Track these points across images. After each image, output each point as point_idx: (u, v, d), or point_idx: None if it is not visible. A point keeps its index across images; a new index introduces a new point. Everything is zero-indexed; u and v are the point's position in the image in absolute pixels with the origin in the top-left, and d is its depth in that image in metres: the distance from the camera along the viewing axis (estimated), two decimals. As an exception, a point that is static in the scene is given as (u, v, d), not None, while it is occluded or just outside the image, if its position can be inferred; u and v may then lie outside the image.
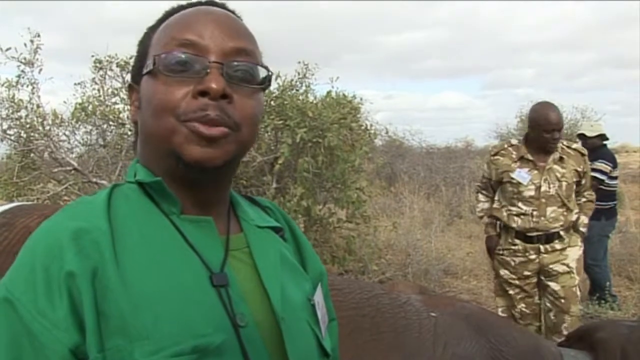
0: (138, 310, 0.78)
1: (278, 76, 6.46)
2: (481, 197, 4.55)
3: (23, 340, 0.77)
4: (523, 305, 4.34)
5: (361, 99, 7.50)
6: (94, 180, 5.67)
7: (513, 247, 4.30)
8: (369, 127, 7.19)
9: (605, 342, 1.92)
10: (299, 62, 6.89)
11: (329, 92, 6.58)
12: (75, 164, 5.81)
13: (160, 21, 0.97)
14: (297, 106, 5.92)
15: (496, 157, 4.36)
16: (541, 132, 4.18)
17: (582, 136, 6.31)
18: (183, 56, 0.88)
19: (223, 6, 0.99)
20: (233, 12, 0.99)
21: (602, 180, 5.98)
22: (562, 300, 4.27)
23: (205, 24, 0.91)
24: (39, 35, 5.89)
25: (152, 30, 0.98)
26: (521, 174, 4.27)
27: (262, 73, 0.94)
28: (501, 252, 4.37)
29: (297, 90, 6.70)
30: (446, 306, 2.06)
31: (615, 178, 6.27)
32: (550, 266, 4.27)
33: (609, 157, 6.16)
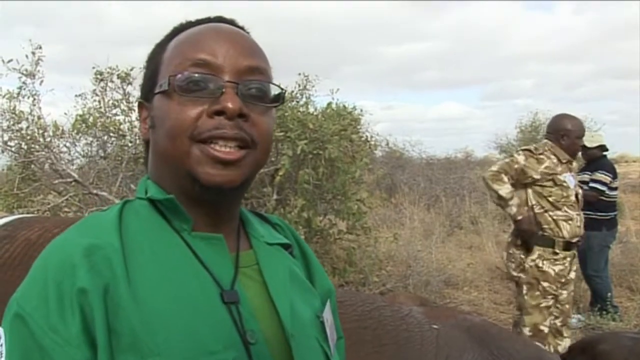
0: (149, 327, 0.78)
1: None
2: (505, 179, 4.24)
3: (34, 356, 0.77)
4: (552, 318, 4.23)
5: (361, 110, 7.52)
6: (95, 192, 5.66)
7: (554, 257, 4.21)
8: (369, 139, 7.20)
9: (608, 355, 1.92)
10: (300, 74, 6.91)
11: (329, 104, 6.59)
12: (76, 176, 5.80)
13: (169, 37, 0.97)
14: (297, 118, 5.93)
15: (542, 157, 4.27)
16: (574, 139, 4.33)
17: (582, 147, 6.32)
18: (197, 76, 0.88)
19: (232, 22, 0.99)
20: (242, 28, 0.99)
21: (603, 191, 5.99)
22: (567, 306, 4.30)
23: (219, 42, 0.91)
24: (40, 47, 5.91)
25: (161, 47, 0.97)
26: (569, 178, 4.28)
27: (275, 90, 0.94)
28: (536, 262, 4.22)
29: (297, 101, 6.70)
30: (448, 318, 2.06)
31: (616, 189, 6.28)
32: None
33: (609, 167, 6.18)
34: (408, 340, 1.88)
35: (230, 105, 0.86)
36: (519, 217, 4.24)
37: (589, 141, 6.20)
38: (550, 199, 4.22)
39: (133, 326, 0.78)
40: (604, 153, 6.30)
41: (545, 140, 4.47)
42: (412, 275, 6.85)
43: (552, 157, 4.28)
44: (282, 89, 0.95)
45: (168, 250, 0.87)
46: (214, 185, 0.87)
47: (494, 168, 4.35)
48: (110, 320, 0.78)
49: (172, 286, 0.83)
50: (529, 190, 4.29)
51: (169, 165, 0.91)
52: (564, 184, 4.21)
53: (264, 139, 0.91)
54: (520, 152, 4.39)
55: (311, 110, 6.57)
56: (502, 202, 4.29)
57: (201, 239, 0.91)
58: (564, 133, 4.36)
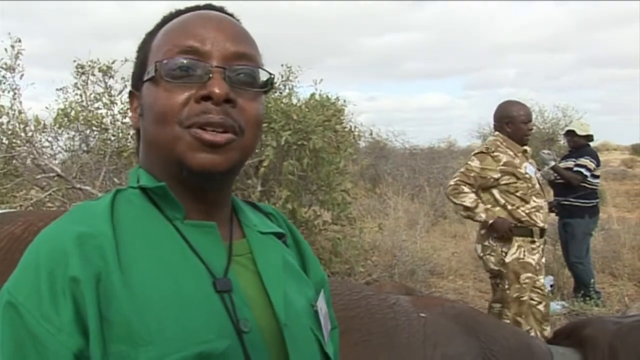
0: (142, 316, 0.78)
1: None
2: (466, 189, 4.24)
3: (27, 344, 0.77)
4: (534, 304, 4.20)
5: (345, 101, 7.52)
6: (78, 186, 5.61)
7: (532, 245, 4.20)
8: (353, 129, 7.20)
9: (593, 339, 1.94)
10: (282, 65, 6.90)
11: (312, 95, 6.58)
12: (59, 170, 5.75)
13: (159, 26, 0.97)
14: (281, 109, 5.91)
15: (496, 154, 4.24)
16: (519, 124, 4.27)
17: (570, 132, 6.41)
18: (185, 61, 0.88)
19: (222, 10, 0.98)
20: (232, 16, 0.98)
21: (586, 176, 6.07)
22: (545, 291, 4.32)
23: (206, 29, 0.91)
24: (19, 41, 5.85)
25: (151, 35, 0.97)
26: (529, 167, 4.26)
27: (264, 76, 0.94)
28: (517, 254, 4.18)
29: (280, 93, 6.69)
30: (435, 306, 2.07)
31: (598, 177, 6.37)
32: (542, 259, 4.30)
33: (594, 155, 6.28)
34: (396, 329, 1.89)
35: (217, 90, 0.86)
36: (491, 221, 4.21)
37: (580, 129, 6.31)
38: (517, 194, 4.21)
39: (125, 315, 0.77)
40: (589, 143, 6.41)
41: (496, 134, 4.41)
42: (397, 265, 6.88)
43: (508, 151, 4.25)
44: (270, 73, 0.95)
45: (160, 239, 0.86)
46: (202, 169, 0.87)
47: (452, 182, 4.33)
48: (102, 309, 0.77)
49: (165, 275, 0.82)
50: (495, 191, 4.27)
51: (158, 152, 0.91)
52: (527, 176, 4.20)
53: (251, 125, 0.91)
54: (474, 157, 4.32)
55: (294, 101, 6.56)
56: (469, 212, 4.27)
57: (194, 227, 0.90)
58: (508, 120, 4.32)
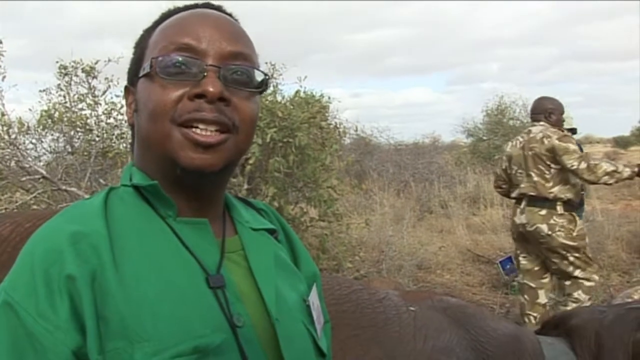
0: (137, 313, 0.78)
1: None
2: (591, 161, 4.48)
3: (25, 343, 0.77)
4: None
5: (329, 98, 7.53)
6: (64, 187, 5.57)
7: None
8: (338, 126, 7.21)
9: (580, 328, 1.96)
10: (266, 63, 6.89)
11: (297, 92, 6.59)
12: (44, 172, 5.70)
13: (157, 23, 0.97)
14: (266, 106, 5.90)
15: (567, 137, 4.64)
16: (559, 116, 4.80)
17: None
18: (180, 59, 0.88)
19: (220, 9, 0.99)
20: (230, 15, 0.99)
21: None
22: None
23: (203, 27, 0.91)
24: (0, 42, 5.79)
25: (148, 32, 0.98)
26: None
27: (259, 76, 0.94)
28: (580, 227, 4.62)
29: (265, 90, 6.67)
30: (425, 300, 2.08)
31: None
32: None
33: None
34: (386, 323, 1.89)
35: (210, 88, 0.86)
36: (636, 168, 4.53)
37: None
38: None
39: (121, 312, 0.78)
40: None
41: (542, 123, 4.74)
42: (385, 260, 6.90)
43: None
44: (265, 74, 0.95)
45: (154, 237, 0.87)
46: (194, 169, 0.87)
47: (581, 166, 4.47)
48: (98, 306, 0.78)
49: (159, 272, 0.83)
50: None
51: (151, 149, 0.91)
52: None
53: (245, 123, 0.91)
54: (563, 137, 4.62)
55: (279, 98, 6.56)
56: (616, 174, 4.49)
57: (186, 224, 0.91)
58: (561, 112, 4.81)
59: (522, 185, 4.72)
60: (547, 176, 4.58)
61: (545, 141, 4.58)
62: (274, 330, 0.89)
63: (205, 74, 0.87)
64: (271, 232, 1.05)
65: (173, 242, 0.87)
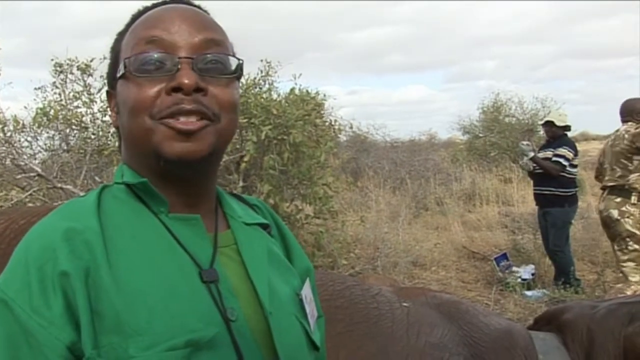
0: (131, 308, 0.79)
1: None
2: None
3: (20, 339, 0.78)
4: None
5: (324, 95, 7.52)
6: (59, 185, 5.56)
7: None
8: (333, 123, 7.20)
9: (571, 323, 1.98)
10: (262, 61, 6.88)
11: (292, 89, 6.57)
12: (39, 170, 5.69)
13: (128, 25, 0.98)
14: (261, 104, 5.90)
15: None
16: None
17: (549, 123, 6.48)
18: (155, 55, 0.89)
19: (188, 3, 0.99)
20: (199, 7, 0.99)
21: (565, 166, 6.16)
22: None
23: (171, 19, 0.92)
24: (-3, 40, 5.77)
25: (121, 35, 0.99)
26: None
27: (234, 62, 0.94)
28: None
29: (260, 88, 6.68)
30: (418, 296, 2.09)
31: (576, 166, 6.45)
32: None
33: (572, 145, 6.37)
34: (379, 319, 1.91)
35: (185, 80, 0.87)
36: None
37: (558, 120, 6.39)
38: None
39: (115, 308, 0.79)
40: (566, 132, 6.49)
41: (630, 123, 5.12)
42: (380, 257, 6.91)
43: None
44: (239, 59, 0.95)
45: (146, 233, 0.88)
46: (178, 158, 0.88)
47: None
48: (92, 301, 0.79)
49: (152, 268, 0.84)
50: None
51: (136, 146, 0.92)
52: None
53: (226, 110, 0.91)
54: None
55: (274, 96, 6.55)
56: None
57: (178, 220, 0.92)
58: (638, 111, 5.11)
59: (607, 178, 5.24)
60: (631, 168, 5.01)
61: (626, 135, 5.04)
62: (267, 324, 0.90)
63: (179, 66, 0.88)
64: (264, 226, 1.06)
65: (166, 238, 0.88)
